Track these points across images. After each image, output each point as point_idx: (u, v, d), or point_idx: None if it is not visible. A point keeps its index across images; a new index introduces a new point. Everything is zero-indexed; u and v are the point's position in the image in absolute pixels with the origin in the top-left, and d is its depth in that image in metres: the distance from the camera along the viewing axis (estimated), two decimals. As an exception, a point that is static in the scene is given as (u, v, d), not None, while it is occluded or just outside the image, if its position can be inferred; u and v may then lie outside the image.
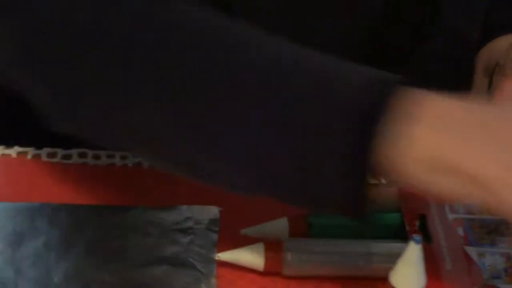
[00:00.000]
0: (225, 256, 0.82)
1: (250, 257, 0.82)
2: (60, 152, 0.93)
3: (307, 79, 0.69)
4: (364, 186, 0.67)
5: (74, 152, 0.93)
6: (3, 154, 0.92)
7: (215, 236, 0.85)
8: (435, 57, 0.97)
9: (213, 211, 0.87)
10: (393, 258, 0.78)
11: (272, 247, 0.82)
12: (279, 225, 0.85)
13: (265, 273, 0.82)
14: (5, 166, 0.91)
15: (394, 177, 0.68)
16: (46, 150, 0.92)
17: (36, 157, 0.92)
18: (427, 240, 0.84)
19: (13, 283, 0.79)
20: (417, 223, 0.85)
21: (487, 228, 0.86)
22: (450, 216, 0.86)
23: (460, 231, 0.85)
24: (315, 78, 0.69)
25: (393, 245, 0.82)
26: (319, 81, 0.68)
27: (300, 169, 0.68)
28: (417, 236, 0.69)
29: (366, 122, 0.66)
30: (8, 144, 0.92)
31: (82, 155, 0.93)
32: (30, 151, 0.92)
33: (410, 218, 0.85)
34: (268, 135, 0.68)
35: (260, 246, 0.82)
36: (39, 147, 0.93)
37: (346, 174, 0.67)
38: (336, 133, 0.67)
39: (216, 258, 0.82)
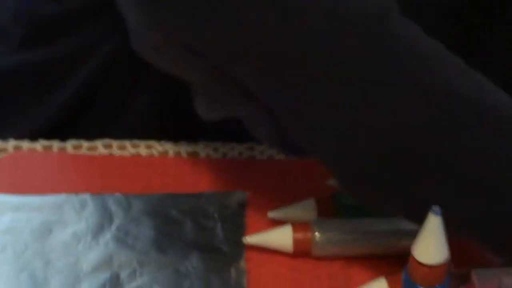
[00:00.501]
0: (253, 239, 0.82)
1: (278, 239, 0.82)
2: (85, 143, 0.93)
3: None
4: None
5: (99, 143, 0.93)
6: (29, 149, 0.92)
7: (242, 220, 0.85)
8: None
9: (240, 195, 0.87)
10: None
11: (300, 228, 0.82)
12: (307, 207, 0.85)
13: (294, 254, 0.82)
14: (31, 160, 0.92)
15: None
16: (71, 142, 0.93)
17: (62, 149, 0.92)
18: None
19: (43, 275, 0.80)
20: None
21: None
22: None
23: None
24: None
25: None
26: None
27: None
28: (437, 209, 0.67)
29: None
30: (33, 138, 0.93)
31: (107, 146, 0.93)
32: (55, 144, 0.92)
33: None
34: None
35: (288, 228, 0.82)
36: (63, 139, 0.93)
37: None
38: None
39: (245, 241, 0.82)
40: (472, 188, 0.70)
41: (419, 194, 0.72)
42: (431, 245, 0.68)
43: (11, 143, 0.92)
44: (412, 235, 0.78)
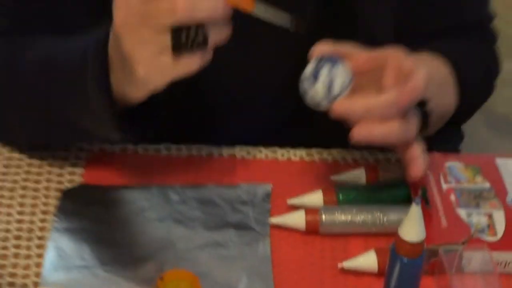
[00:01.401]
0: (276, 220, 0.85)
1: (294, 220, 0.85)
2: (151, 146, 0.93)
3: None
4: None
5: (161, 146, 0.94)
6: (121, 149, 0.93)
7: (268, 206, 0.87)
8: None
9: (266, 187, 0.89)
10: (402, 219, 0.78)
11: (311, 212, 0.85)
12: (316, 196, 0.87)
13: (306, 232, 0.85)
14: (112, 158, 0.92)
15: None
16: (142, 145, 0.93)
17: (134, 151, 0.93)
18: (428, 205, 0.84)
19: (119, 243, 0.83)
20: (420, 192, 0.85)
21: (473, 194, 0.85)
22: (444, 186, 0.86)
23: (452, 197, 0.85)
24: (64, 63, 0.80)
25: (402, 209, 0.84)
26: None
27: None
28: (417, 199, 0.70)
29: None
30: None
31: (167, 149, 0.94)
32: (130, 147, 0.93)
33: (414, 189, 0.85)
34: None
35: (302, 212, 0.85)
36: (135, 143, 0.93)
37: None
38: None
39: (270, 222, 0.85)
40: None
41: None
42: (412, 227, 0.71)
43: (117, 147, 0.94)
44: (395, 217, 0.85)
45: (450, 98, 0.97)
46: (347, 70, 0.81)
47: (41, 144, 0.91)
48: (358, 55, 0.83)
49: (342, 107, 0.80)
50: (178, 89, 0.78)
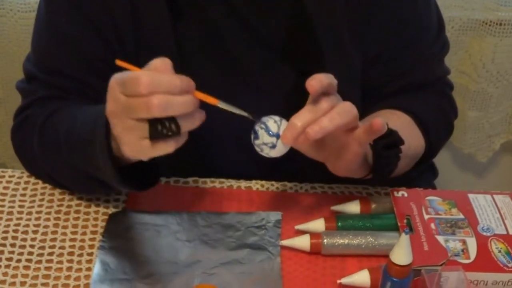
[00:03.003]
0: (285, 242, 0.84)
1: (301, 243, 0.84)
2: (181, 179, 0.93)
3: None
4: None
5: (190, 179, 0.93)
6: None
7: (279, 230, 0.85)
8: None
9: (277, 214, 0.87)
10: (391, 243, 0.80)
11: (315, 236, 0.83)
12: (319, 223, 0.86)
13: (310, 253, 0.83)
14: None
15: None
16: (173, 178, 0.93)
17: (167, 183, 0.92)
18: (412, 232, 0.82)
19: (155, 260, 0.81)
20: (405, 221, 0.84)
21: (449, 223, 0.84)
22: (426, 216, 0.84)
23: (432, 226, 0.83)
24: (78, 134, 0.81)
25: (390, 234, 0.84)
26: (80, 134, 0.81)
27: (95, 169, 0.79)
28: (407, 230, 0.70)
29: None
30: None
31: (195, 181, 0.92)
32: (163, 179, 0.92)
33: (400, 217, 0.84)
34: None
35: (307, 236, 0.84)
36: (167, 176, 0.92)
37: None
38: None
39: (280, 244, 0.84)
40: None
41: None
42: (402, 253, 0.71)
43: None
44: (385, 241, 0.83)
45: (419, 138, 0.94)
46: (274, 116, 0.77)
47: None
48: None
49: (288, 134, 0.75)
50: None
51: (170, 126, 0.70)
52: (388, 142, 0.81)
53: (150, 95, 0.69)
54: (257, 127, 0.76)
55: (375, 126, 0.75)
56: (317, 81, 0.73)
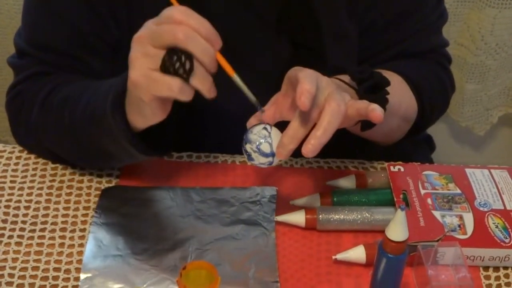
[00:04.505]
0: (280, 218, 0.83)
1: (296, 218, 0.83)
2: (175, 154, 0.91)
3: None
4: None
5: (184, 154, 0.92)
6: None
7: (274, 206, 0.85)
8: None
9: (272, 189, 0.87)
10: (387, 218, 0.80)
11: (310, 212, 0.83)
12: (314, 198, 0.85)
13: (305, 228, 0.83)
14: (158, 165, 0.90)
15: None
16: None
17: (161, 157, 0.89)
18: (408, 207, 0.82)
19: (148, 236, 0.81)
20: (401, 196, 0.83)
21: (446, 198, 0.83)
22: (422, 191, 0.84)
23: (429, 201, 0.83)
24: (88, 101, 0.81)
25: (386, 210, 0.83)
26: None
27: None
28: (403, 206, 0.69)
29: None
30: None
31: (189, 156, 0.92)
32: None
33: (397, 192, 0.84)
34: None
35: (302, 212, 0.83)
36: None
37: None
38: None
39: (275, 219, 0.83)
40: None
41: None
42: (397, 229, 0.70)
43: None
44: (381, 217, 0.83)
45: (411, 99, 0.93)
46: (263, 131, 0.76)
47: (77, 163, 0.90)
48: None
49: (284, 151, 0.74)
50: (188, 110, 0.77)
51: (185, 62, 0.70)
52: (371, 84, 0.80)
53: (180, 24, 0.70)
54: (249, 150, 0.76)
55: (373, 117, 0.74)
56: (307, 97, 0.71)
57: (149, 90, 0.71)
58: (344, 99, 0.74)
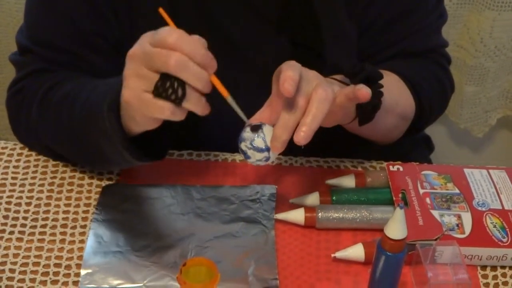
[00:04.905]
0: (280, 216, 0.84)
1: (295, 216, 0.84)
2: (175, 152, 0.92)
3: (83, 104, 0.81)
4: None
5: (184, 152, 0.92)
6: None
7: (273, 204, 0.85)
8: None
9: (272, 188, 0.87)
10: (386, 217, 0.81)
11: (309, 210, 0.83)
12: (313, 197, 0.86)
13: (305, 226, 0.84)
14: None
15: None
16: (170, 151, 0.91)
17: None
18: (407, 206, 0.82)
19: (148, 233, 0.81)
20: (400, 195, 0.84)
21: (445, 198, 0.84)
22: (421, 191, 0.84)
23: (428, 200, 0.83)
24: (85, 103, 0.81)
25: (385, 209, 0.84)
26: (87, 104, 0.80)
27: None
28: (401, 204, 0.69)
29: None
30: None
31: (190, 154, 0.92)
32: None
33: (395, 191, 0.84)
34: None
35: (301, 210, 0.84)
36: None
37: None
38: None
39: (274, 217, 0.84)
40: None
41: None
42: (396, 227, 0.70)
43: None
44: (380, 216, 0.83)
45: (408, 98, 0.93)
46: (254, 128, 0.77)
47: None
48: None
49: (278, 144, 0.74)
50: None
51: (178, 89, 0.70)
52: (365, 77, 0.80)
53: (173, 50, 0.69)
54: (244, 148, 0.77)
55: (360, 96, 0.74)
56: (290, 83, 0.72)
57: (141, 111, 0.72)
58: (333, 88, 0.75)
